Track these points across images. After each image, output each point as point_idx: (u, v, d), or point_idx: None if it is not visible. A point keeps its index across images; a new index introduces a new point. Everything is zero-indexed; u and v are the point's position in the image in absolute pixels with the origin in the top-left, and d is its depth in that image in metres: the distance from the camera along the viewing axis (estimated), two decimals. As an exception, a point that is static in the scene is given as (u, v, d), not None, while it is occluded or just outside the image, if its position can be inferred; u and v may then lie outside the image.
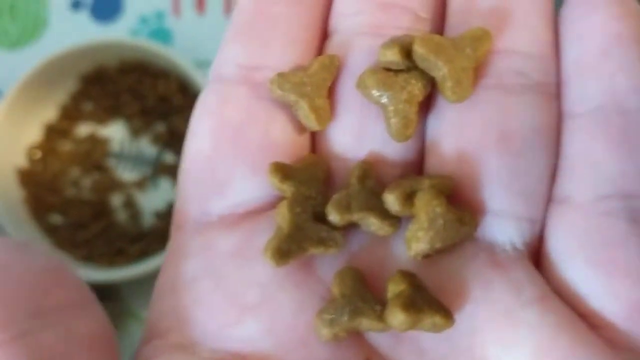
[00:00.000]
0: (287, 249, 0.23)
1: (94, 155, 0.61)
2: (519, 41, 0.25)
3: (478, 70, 0.25)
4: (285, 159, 0.25)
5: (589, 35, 0.24)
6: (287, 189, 0.24)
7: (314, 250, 0.23)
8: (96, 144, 0.61)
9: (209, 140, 0.26)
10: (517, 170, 0.24)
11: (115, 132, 0.62)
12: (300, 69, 0.25)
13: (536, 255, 0.25)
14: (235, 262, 0.24)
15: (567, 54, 0.25)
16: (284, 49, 0.26)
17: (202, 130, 0.26)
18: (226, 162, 0.25)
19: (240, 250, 0.24)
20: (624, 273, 0.22)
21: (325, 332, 0.22)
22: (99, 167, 0.61)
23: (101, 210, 0.59)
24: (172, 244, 0.26)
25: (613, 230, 0.23)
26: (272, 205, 0.25)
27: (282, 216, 0.24)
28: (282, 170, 0.24)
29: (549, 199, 0.24)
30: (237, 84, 0.26)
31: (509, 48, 0.25)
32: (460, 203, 0.24)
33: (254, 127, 0.25)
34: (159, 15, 0.65)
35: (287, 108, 0.25)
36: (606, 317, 0.23)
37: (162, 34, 0.65)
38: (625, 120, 0.23)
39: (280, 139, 0.25)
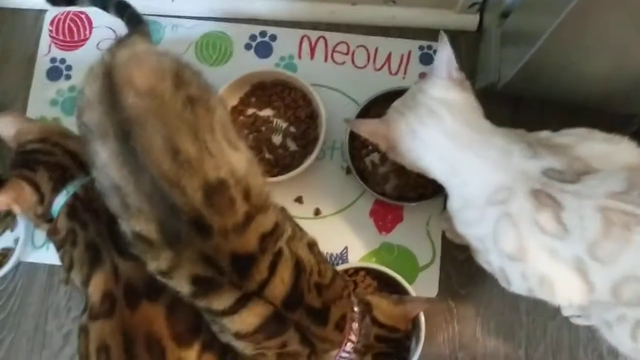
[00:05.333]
0: None
1: (256, 124, 1.12)
2: None
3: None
4: None
5: None
6: None
7: None
8: (257, 119, 1.12)
9: None
10: None
11: (267, 114, 1.13)
12: None
13: None
14: None
15: None
16: None
17: None
18: None
19: None
20: None
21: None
22: (258, 130, 1.12)
23: (259, 151, 1.10)
24: None
25: None
26: None
27: None
28: None
29: None
30: None
31: None
32: None
33: None
34: (291, 57, 1.16)
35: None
36: None
37: (292, 67, 1.16)
38: None
39: None
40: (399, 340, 0.87)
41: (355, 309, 0.85)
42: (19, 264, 1.10)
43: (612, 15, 0.81)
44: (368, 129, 0.94)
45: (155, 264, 0.71)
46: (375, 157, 1.11)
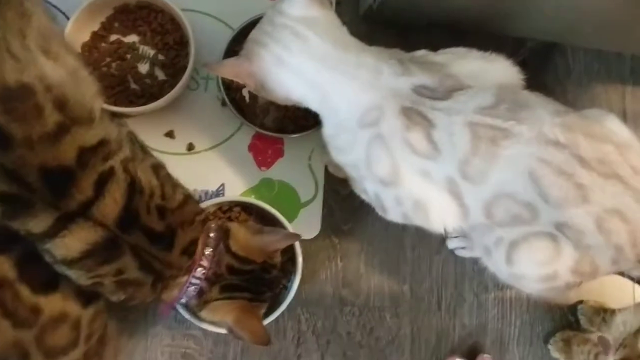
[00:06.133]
0: None
1: (119, 52, 1.01)
2: None
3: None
4: None
5: None
6: None
7: None
8: (121, 45, 1.01)
9: None
10: None
11: (132, 40, 1.02)
12: None
13: None
14: None
15: None
16: None
17: None
18: None
19: None
20: None
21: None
22: (122, 58, 1.01)
23: (123, 80, 1.00)
24: None
25: None
26: None
27: None
28: None
29: None
30: None
31: None
32: None
33: None
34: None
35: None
36: None
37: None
38: None
39: None
40: (252, 273, 0.81)
41: (211, 234, 0.78)
42: None
43: None
44: (229, 70, 0.86)
45: None
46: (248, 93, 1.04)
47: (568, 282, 0.84)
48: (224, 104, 1.04)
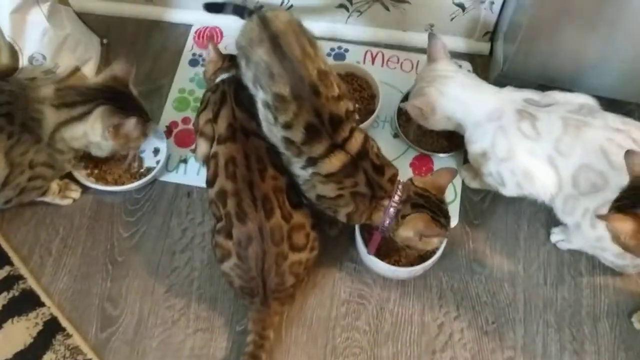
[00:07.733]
0: None
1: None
2: None
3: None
4: None
5: None
6: None
7: None
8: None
9: None
10: None
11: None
12: None
13: None
14: None
15: None
16: None
17: None
18: None
19: None
20: None
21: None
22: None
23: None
24: None
25: None
26: None
27: None
28: None
29: None
30: None
31: None
32: None
33: None
34: (358, 62, 1.69)
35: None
36: None
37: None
38: None
39: None
40: (430, 199, 1.24)
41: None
42: (154, 181, 1.55)
43: (558, 26, 1.35)
44: (417, 102, 1.40)
45: (284, 116, 1.16)
46: (413, 127, 1.59)
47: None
48: (395, 136, 1.59)
